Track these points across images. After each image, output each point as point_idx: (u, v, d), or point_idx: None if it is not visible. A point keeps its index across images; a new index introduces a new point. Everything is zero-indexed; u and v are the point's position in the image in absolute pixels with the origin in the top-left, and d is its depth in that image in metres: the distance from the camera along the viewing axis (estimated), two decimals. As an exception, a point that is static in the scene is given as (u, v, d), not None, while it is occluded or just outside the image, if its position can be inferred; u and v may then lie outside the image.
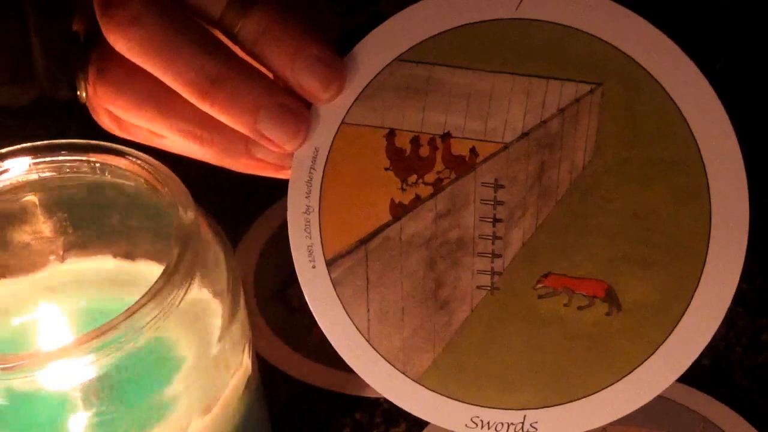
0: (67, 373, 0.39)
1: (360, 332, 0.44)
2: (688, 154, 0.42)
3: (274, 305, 0.60)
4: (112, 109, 0.46)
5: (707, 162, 0.42)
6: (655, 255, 0.42)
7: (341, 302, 0.44)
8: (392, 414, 0.54)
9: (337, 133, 0.43)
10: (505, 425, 0.43)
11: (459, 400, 0.44)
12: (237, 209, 0.64)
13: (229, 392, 0.44)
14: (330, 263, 0.44)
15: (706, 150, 0.41)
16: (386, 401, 0.54)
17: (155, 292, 0.40)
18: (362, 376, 0.44)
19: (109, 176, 0.45)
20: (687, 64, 0.41)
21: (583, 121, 0.42)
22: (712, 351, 0.55)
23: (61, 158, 0.45)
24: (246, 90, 0.42)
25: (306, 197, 0.44)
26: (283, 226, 0.64)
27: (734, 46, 0.69)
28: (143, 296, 0.40)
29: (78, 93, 0.47)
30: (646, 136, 0.42)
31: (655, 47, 0.41)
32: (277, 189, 0.64)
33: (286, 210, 0.60)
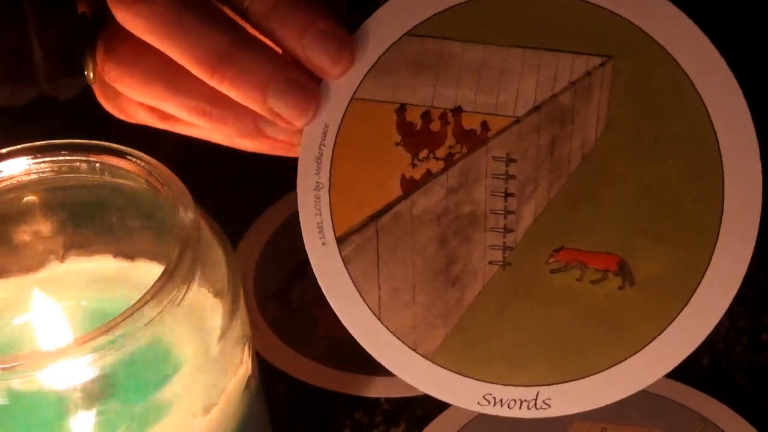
0: (67, 373, 0.39)
1: (371, 310, 0.43)
2: (701, 129, 0.42)
3: (274, 305, 0.60)
4: (120, 88, 0.46)
5: (720, 137, 0.41)
6: (667, 229, 0.42)
7: (352, 279, 0.43)
8: (392, 414, 0.54)
9: (347, 108, 0.43)
10: (518, 402, 0.43)
11: (471, 378, 0.43)
12: (237, 209, 0.64)
13: (229, 392, 0.43)
14: (340, 240, 0.43)
15: (720, 124, 0.41)
16: (386, 401, 0.54)
17: (155, 292, 0.40)
18: (373, 354, 0.44)
19: (109, 176, 0.45)
20: (699, 38, 0.41)
21: (595, 94, 0.42)
22: (712, 351, 0.55)
23: (61, 158, 0.45)
24: (255, 65, 0.42)
25: (316, 174, 0.43)
26: (284, 226, 0.64)
27: (740, 40, 0.69)
28: (143, 296, 0.40)
29: (86, 73, 0.47)
30: (659, 110, 0.42)
31: (667, 20, 0.41)
32: (277, 189, 0.64)
33: (286, 210, 0.60)
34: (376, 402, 0.55)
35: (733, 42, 0.57)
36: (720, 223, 0.42)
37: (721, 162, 0.42)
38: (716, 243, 0.42)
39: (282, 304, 0.60)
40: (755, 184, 0.41)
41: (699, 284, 0.42)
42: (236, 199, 0.64)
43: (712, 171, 0.42)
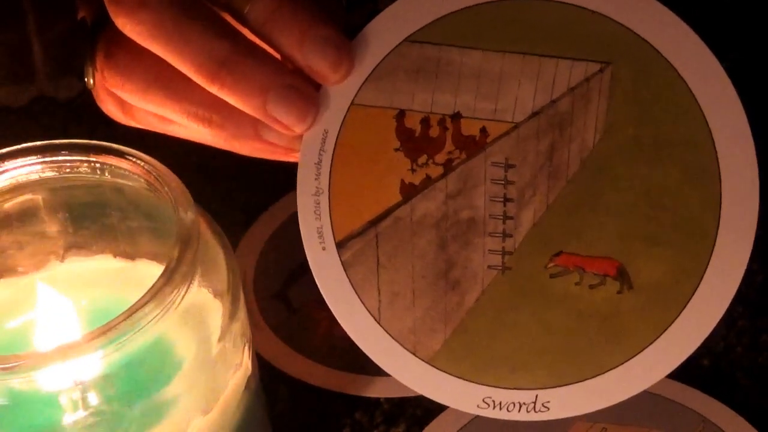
0: (66, 373, 0.39)
1: (371, 314, 0.44)
2: (699, 134, 0.42)
3: (274, 305, 0.60)
4: (120, 94, 0.46)
5: (717, 141, 0.42)
6: (665, 234, 0.42)
7: (352, 284, 0.43)
8: (392, 414, 0.54)
9: (346, 114, 0.43)
10: (517, 405, 0.43)
11: (470, 381, 0.43)
12: (237, 209, 0.63)
13: (229, 392, 0.44)
14: (340, 245, 0.43)
15: (717, 129, 0.42)
16: (386, 401, 0.54)
17: (155, 292, 0.40)
18: (373, 358, 0.44)
19: (109, 176, 0.45)
20: (697, 44, 0.41)
21: (593, 100, 0.42)
22: (712, 351, 0.55)
23: (61, 158, 0.45)
24: (255, 72, 0.42)
25: (315, 179, 0.44)
26: (283, 226, 0.64)
27: (741, 41, 0.69)
28: (143, 296, 0.40)
29: (85, 79, 0.47)
30: (656, 115, 0.42)
31: (665, 27, 0.41)
32: (278, 189, 0.64)
33: (286, 210, 0.60)
34: (376, 402, 0.55)
35: (729, 47, 0.57)
36: (717, 227, 0.42)
37: (718, 166, 0.42)
38: (714, 247, 0.42)
39: (282, 304, 0.60)
40: (752, 187, 0.42)
41: (697, 288, 0.42)
42: (236, 199, 0.64)
43: (710, 175, 0.42)
